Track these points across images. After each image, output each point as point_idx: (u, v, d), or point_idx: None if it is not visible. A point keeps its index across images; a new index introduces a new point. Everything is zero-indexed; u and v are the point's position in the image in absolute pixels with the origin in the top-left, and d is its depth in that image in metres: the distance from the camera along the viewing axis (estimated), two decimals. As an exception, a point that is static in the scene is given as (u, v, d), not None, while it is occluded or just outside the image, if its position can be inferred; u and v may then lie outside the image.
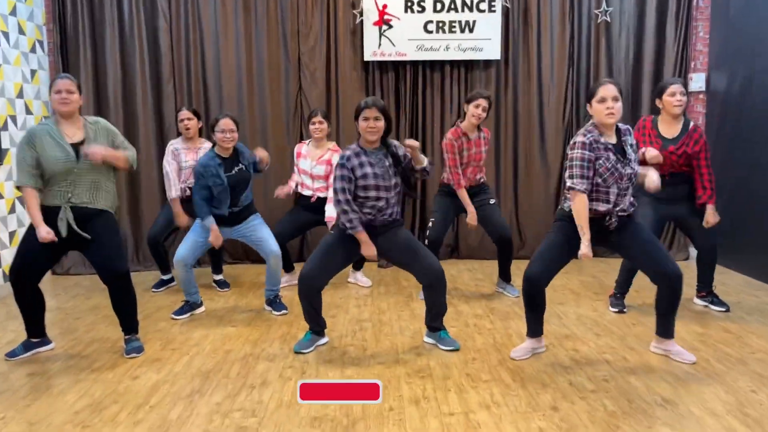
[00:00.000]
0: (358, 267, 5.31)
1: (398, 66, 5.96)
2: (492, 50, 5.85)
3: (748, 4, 5.42)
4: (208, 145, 5.01)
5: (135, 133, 5.87)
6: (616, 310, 4.47)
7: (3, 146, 5.11)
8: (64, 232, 3.50)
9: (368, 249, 3.58)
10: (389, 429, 2.77)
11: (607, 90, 3.26)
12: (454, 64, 5.96)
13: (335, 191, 3.55)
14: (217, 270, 5.31)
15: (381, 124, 3.54)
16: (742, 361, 3.51)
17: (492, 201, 4.81)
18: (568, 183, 3.31)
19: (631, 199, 3.43)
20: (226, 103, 5.92)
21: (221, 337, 4.03)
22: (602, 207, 3.34)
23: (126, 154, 3.65)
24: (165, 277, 5.25)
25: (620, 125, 3.41)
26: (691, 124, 4.27)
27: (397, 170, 3.60)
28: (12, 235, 5.28)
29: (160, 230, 5.07)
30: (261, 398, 3.10)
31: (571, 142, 3.36)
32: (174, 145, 5.01)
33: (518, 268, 5.84)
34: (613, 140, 3.34)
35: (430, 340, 3.86)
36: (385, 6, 5.77)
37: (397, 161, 3.61)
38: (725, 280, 5.30)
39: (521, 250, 6.14)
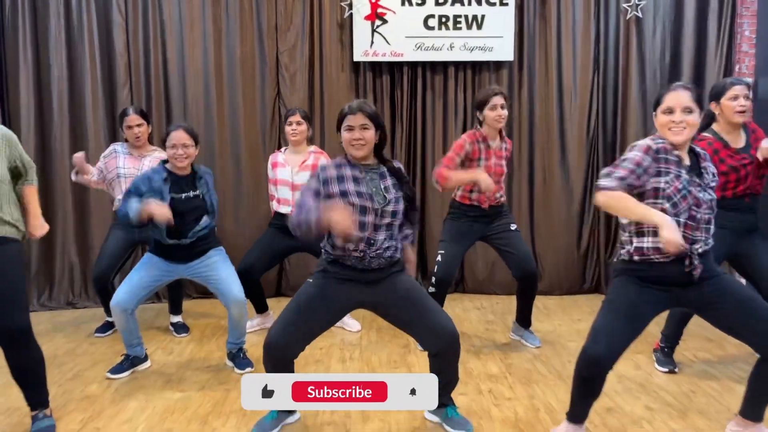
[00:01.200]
0: None
1: (393, 67, 5.08)
2: (504, 50, 4.98)
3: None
4: (159, 154, 4.13)
5: (84, 143, 4.97)
6: (666, 369, 3.57)
7: None
8: None
9: (337, 215, 2.43)
10: None
11: (678, 98, 2.45)
12: (459, 65, 5.08)
13: (297, 203, 2.61)
14: (175, 310, 4.41)
15: (370, 134, 2.65)
16: None
17: (514, 227, 3.92)
18: (599, 182, 2.44)
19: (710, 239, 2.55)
20: (192, 111, 5.04)
21: (163, 408, 3.11)
22: (651, 240, 2.45)
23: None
24: (110, 319, 4.34)
25: (697, 148, 2.58)
26: (747, 122, 3.45)
27: (399, 194, 2.71)
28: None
29: (107, 266, 4.15)
30: None
31: (633, 144, 2.52)
32: (116, 146, 4.18)
33: (534, 306, 4.99)
34: (686, 159, 2.50)
35: (434, 419, 2.96)
36: (378, -3, 4.91)
37: (400, 181, 2.73)
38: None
39: (538, 284, 5.24)
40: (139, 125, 4.08)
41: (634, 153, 2.45)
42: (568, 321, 4.58)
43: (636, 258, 2.50)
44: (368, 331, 4.35)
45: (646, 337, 4.10)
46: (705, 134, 3.46)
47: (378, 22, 4.92)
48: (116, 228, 4.16)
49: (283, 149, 4.28)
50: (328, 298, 2.70)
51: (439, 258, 3.86)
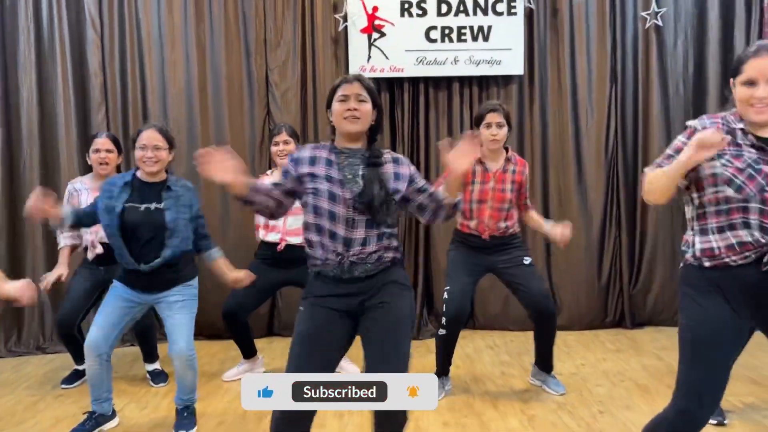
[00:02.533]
0: None
1: (393, 84, 4.69)
2: (513, 63, 4.58)
3: None
4: None
5: (55, 172, 4.57)
6: (715, 422, 3.08)
7: None
8: None
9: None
10: None
11: (761, 66, 1.94)
12: (464, 80, 4.69)
13: None
14: (150, 358, 3.93)
15: (366, 107, 2.23)
16: None
17: (527, 260, 3.47)
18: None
19: None
20: (173, 131, 4.58)
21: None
22: (744, 235, 1.95)
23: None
24: (80, 368, 3.86)
25: None
26: None
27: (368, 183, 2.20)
28: None
29: (71, 309, 3.68)
30: None
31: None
32: (75, 184, 3.78)
33: (555, 344, 4.52)
34: (767, 133, 2.00)
35: None
36: (375, 9, 4.52)
37: (375, 165, 2.23)
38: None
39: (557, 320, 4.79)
40: (108, 150, 3.66)
41: (678, 139, 2.08)
42: (592, 360, 4.11)
43: (706, 263, 2.03)
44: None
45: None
46: None
47: (375, 35, 4.54)
48: (82, 269, 3.73)
49: (270, 171, 3.88)
50: (324, 327, 2.22)
51: (446, 295, 3.40)
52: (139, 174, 3.02)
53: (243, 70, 4.68)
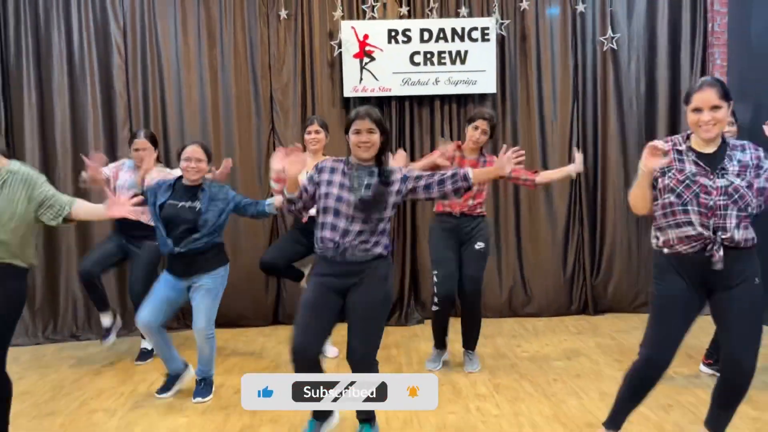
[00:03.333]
0: None
1: (382, 102, 5.32)
2: (487, 83, 5.23)
3: (767, 27, 4.85)
4: (155, 172, 4.31)
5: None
6: (711, 371, 3.77)
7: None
8: None
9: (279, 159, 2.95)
10: None
11: (704, 98, 2.55)
12: (444, 98, 5.33)
13: None
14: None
15: (375, 137, 2.87)
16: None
17: (479, 246, 4.05)
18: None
19: (750, 234, 2.62)
20: (190, 147, 5.25)
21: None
22: (682, 233, 2.60)
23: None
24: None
25: (732, 140, 2.68)
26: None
27: (376, 194, 2.87)
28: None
29: (94, 263, 4.36)
30: None
31: None
32: (125, 160, 4.54)
33: (524, 327, 5.19)
34: (710, 149, 2.62)
35: None
36: (366, 36, 5.16)
37: (386, 180, 2.89)
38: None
39: (527, 307, 5.46)
40: (144, 149, 4.30)
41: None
42: (555, 341, 4.75)
43: (665, 250, 2.67)
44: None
45: (625, 352, 4.33)
46: None
47: (366, 59, 5.17)
48: (111, 234, 4.47)
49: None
50: (323, 297, 2.89)
51: (435, 278, 4.03)
52: (183, 180, 3.68)
53: (250, 91, 5.32)
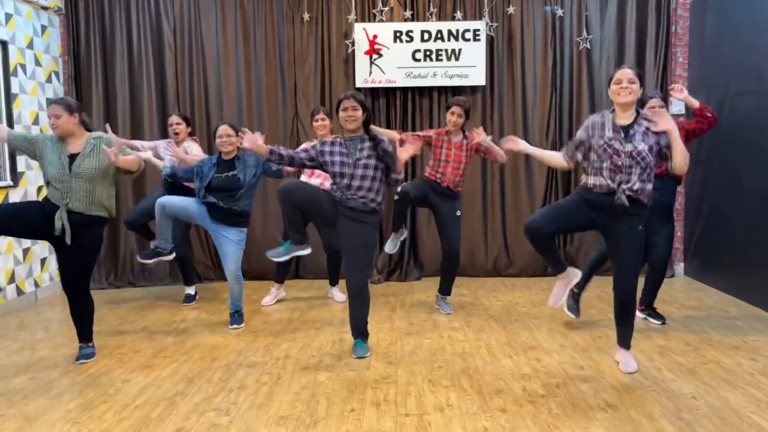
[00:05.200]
0: (333, 282, 5.59)
1: (389, 92, 6.28)
2: (477, 77, 6.15)
3: (720, 30, 5.67)
4: (187, 144, 5.36)
5: (142, 156, 6.27)
6: (573, 315, 4.68)
7: (18, 170, 5.52)
8: (58, 231, 3.84)
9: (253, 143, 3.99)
10: (346, 427, 3.04)
11: (623, 73, 3.44)
12: (441, 90, 6.27)
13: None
14: (189, 281, 5.62)
15: (358, 113, 3.90)
16: (692, 370, 3.72)
17: (458, 213, 5.02)
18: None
19: (646, 186, 3.45)
20: (227, 128, 6.29)
21: (210, 346, 4.34)
22: (599, 181, 3.48)
23: (132, 157, 3.98)
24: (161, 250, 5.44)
25: (642, 110, 3.52)
26: None
27: (373, 155, 3.90)
28: (26, 251, 5.67)
29: (140, 214, 5.34)
30: (236, 400, 3.39)
31: None
32: (158, 142, 5.58)
33: (504, 284, 6.09)
34: (626, 121, 3.45)
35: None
36: (375, 36, 6.11)
37: (376, 148, 3.91)
38: (702, 296, 5.49)
39: (510, 269, 6.41)
40: (178, 123, 5.35)
41: (580, 130, 3.63)
42: (527, 294, 5.70)
43: (586, 185, 3.60)
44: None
45: (585, 305, 5.26)
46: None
47: (375, 56, 6.13)
48: (156, 191, 5.51)
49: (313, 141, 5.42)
50: (337, 217, 4.00)
51: (406, 183, 4.99)
52: (222, 155, 4.72)
53: (278, 82, 6.32)
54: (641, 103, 4.46)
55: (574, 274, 3.84)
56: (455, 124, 4.91)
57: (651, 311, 4.74)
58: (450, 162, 4.95)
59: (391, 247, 5.10)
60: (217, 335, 4.60)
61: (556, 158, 3.73)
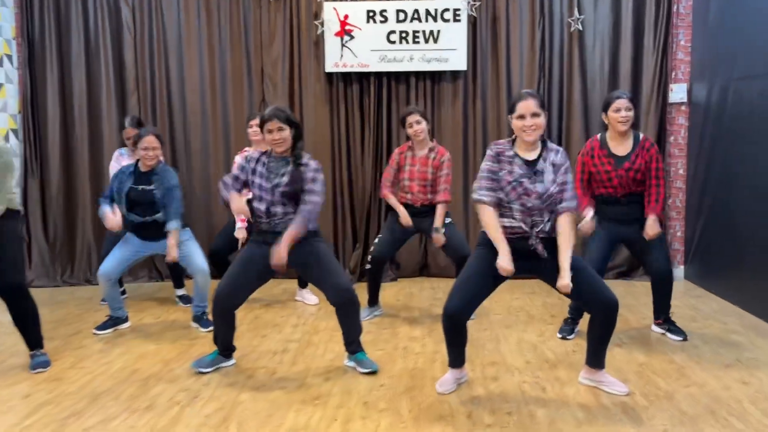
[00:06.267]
0: (303, 284, 5.14)
1: (362, 78, 5.80)
2: (458, 61, 5.64)
3: (724, 9, 5.09)
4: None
5: (100, 145, 5.89)
6: (561, 336, 4.18)
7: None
8: None
9: (238, 204, 3.42)
10: (246, 462, 2.60)
11: (526, 106, 3.02)
12: (419, 75, 5.77)
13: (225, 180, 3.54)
14: (178, 284, 5.23)
15: (286, 134, 3.40)
16: (669, 395, 3.21)
17: (447, 220, 4.52)
18: (473, 195, 3.11)
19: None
20: (190, 116, 5.88)
21: (137, 355, 3.92)
22: (508, 222, 3.07)
23: None
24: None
25: (550, 144, 3.17)
26: (642, 135, 4.03)
27: (290, 181, 3.42)
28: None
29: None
30: (135, 424, 2.96)
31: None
32: (121, 150, 5.05)
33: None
34: (532, 156, 3.10)
35: (350, 363, 3.67)
36: (346, 16, 5.63)
37: (297, 170, 3.44)
38: (700, 304, 4.95)
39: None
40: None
41: (484, 163, 3.12)
42: (506, 299, 5.19)
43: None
44: (326, 303, 5.08)
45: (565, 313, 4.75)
46: (598, 135, 4.10)
47: (346, 37, 5.65)
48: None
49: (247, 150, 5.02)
50: (254, 258, 3.47)
51: (376, 240, 4.58)
52: (140, 164, 4.26)
53: (243, 66, 5.87)
54: (606, 104, 3.97)
55: (466, 375, 3.44)
56: (417, 133, 4.42)
57: (670, 325, 4.18)
58: (414, 180, 4.48)
59: (364, 315, 4.60)
60: (151, 342, 4.18)
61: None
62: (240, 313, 4.74)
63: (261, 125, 3.44)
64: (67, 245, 5.97)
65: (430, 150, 4.50)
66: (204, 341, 4.15)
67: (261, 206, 3.43)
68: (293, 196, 3.42)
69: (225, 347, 3.66)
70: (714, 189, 5.22)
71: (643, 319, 4.54)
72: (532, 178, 3.05)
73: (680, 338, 4.08)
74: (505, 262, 2.99)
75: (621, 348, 3.94)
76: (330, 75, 5.79)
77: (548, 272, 3.12)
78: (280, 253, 3.33)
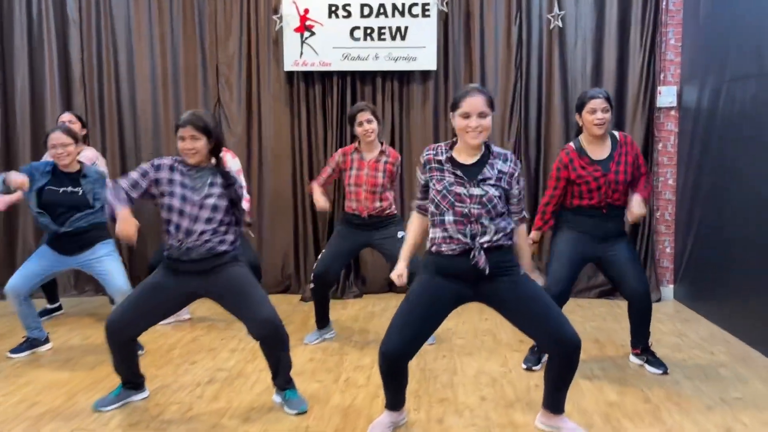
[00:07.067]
0: None
1: (324, 78, 5.35)
2: (427, 60, 5.18)
3: (715, 5, 4.63)
4: (89, 153, 4.51)
5: (44, 148, 5.43)
6: (526, 366, 3.72)
7: None
8: None
9: (125, 226, 2.84)
10: None
11: (472, 104, 2.58)
12: (386, 76, 5.31)
13: (117, 184, 2.96)
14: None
15: (200, 144, 2.95)
16: (637, 447, 2.75)
17: (401, 234, 4.05)
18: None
19: (506, 227, 2.67)
20: (140, 115, 5.45)
21: (44, 385, 3.47)
22: (441, 234, 2.63)
23: None
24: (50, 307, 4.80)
25: (496, 149, 2.72)
26: (617, 133, 3.62)
27: (224, 193, 2.99)
28: None
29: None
30: (2, 475, 2.52)
31: None
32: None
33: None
34: (471, 160, 2.66)
35: (278, 399, 3.22)
36: (306, 11, 5.18)
37: (227, 181, 3.01)
38: (687, 330, 4.47)
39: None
40: (72, 123, 4.47)
41: (418, 174, 2.75)
42: (475, 320, 4.71)
43: (433, 249, 2.69)
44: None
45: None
46: (571, 143, 3.64)
47: (306, 33, 5.21)
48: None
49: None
50: (163, 288, 3.01)
51: (319, 256, 4.13)
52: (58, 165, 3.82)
53: (198, 63, 5.43)
54: (580, 103, 3.53)
55: (405, 417, 2.97)
56: (367, 133, 3.98)
57: (649, 356, 3.71)
58: (362, 185, 4.03)
59: (311, 339, 4.22)
60: (66, 368, 3.74)
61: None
62: (177, 334, 4.38)
63: (176, 130, 2.99)
64: (7, 249, 5.53)
65: (381, 153, 4.07)
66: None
67: (182, 222, 2.94)
68: (226, 210, 2.98)
69: (128, 379, 3.20)
70: (704, 201, 4.75)
71: (622, 347, 4.06)
72: (467, 186, 2.60)
73: (660, 371, 3.61)
74: (400, 269, 2.85)
75: (591, 383, 3.47)
76: (290, 74, 5.35)
77: (494, 294, 2.68)
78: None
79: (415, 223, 2.89)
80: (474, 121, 2.58)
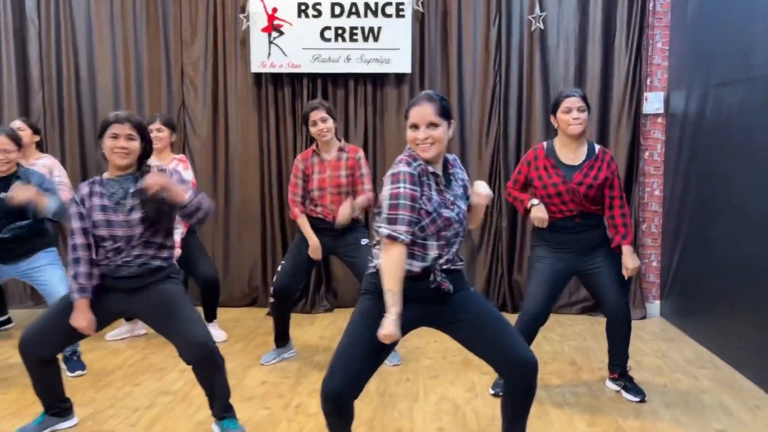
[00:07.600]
0: (209, 318, 4.38)
1: (294, 80, 5.10)
2: (401, 62, 4.93)
3: (703, 7, 4.38)
4: (46, 161, 4.26)
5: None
6: (493, 392, 3.45)
7: None
8: None
9: (79, 320, 2.66)
10: None
11: (420, 114, 2.29)
12: (359, 78, 5.06)
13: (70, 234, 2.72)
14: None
15: (135, 145, 2.69)
16: (604, 490, 2.48)
17: (364, 241, 3.85)
18: (385, 230, 2.25)
19: (459, 255, 2.44)
20: (101, 115, 5.04)
21: (-22, 407, 3.22)
22: (417, 265, 2.33)
23: None
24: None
25: (449, 157, 2.45)
26: (598, 147, 3.33)
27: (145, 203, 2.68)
28: None
29: None
30: None
31: (392, 173, 2.31)
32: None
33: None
34: (438, 170, 2.37)
35: (216, 430, 2.95)
36: (274, 10, 4.93)
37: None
38: (671, 351, 4.20)
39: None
40: (21, 130, 4.15)
41: (402, 187, 2.24)
42: (444, 338, 4.39)
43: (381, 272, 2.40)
44: (236, 342, 4.37)
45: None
46: (544, 142, 3.40)
47: (275, 34, 4.96)
48: None
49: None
50: (92, 305, 2.74)
51: (279, 269, 3.87)
52: None
53: (162, 65, 5.18)
54: (555, 103, 3.28)
55: None
56: (322, 133, 3.72)
57: (627, 382, 3.43)
58: (326, 189, 3.78)
59: (268, 359, 3.96)
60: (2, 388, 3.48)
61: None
62: (127, 351, 4.12)
63: (102, 129, 2.70)
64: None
65: (340, 150, 3.81)
66: (72, 385, 3.39)
67: (111, 243, 2.68)
68: (156, 219, 2.70)
69: (51, 404, 2.93)
70: (692, 212, 4.48)
71: (599, 369, 3.80)
72: (448, 203, 2.32)
73: (637, 399, 3.34)
74: (391, 325, 2.20)
75: (561, 411, 3.21)
76: (258, 76, 5.09)
77: (449, 316, 2.40)
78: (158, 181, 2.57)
79: (402, 257, 2.24)
80: (422, 132, 2.29)
